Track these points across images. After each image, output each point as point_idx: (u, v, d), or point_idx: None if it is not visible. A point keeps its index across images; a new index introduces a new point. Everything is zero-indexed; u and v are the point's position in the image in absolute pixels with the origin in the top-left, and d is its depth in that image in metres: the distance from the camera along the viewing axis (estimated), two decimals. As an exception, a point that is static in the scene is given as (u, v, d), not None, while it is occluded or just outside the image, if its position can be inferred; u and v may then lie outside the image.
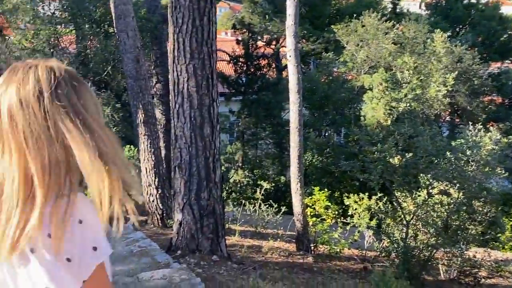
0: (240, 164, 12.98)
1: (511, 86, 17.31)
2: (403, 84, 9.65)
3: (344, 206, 8.42)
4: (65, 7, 11.28)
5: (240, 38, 13.50)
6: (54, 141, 0.93)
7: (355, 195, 6.89)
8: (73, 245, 0.94)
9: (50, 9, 11.54)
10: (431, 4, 25.74)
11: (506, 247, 8.56)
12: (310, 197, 6.91)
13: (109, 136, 0.98)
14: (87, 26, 11.58)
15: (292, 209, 7.18)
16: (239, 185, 12.16)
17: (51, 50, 11.34)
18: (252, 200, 10.72)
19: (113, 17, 6.87)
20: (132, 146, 9.62)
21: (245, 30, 13.54)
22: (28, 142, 0.93)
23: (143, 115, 7.14)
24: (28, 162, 0.93)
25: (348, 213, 6.91)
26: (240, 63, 13.57)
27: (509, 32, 23.30)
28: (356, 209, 6.57)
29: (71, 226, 0.94)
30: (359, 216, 6.48)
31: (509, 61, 22.47)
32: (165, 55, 12.62)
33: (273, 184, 7.18)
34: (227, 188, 12.33)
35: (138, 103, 7.11)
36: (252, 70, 13.46)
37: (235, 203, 10.98)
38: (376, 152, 5.71)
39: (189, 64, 4.63)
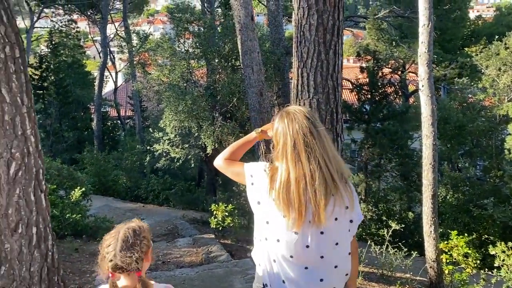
0: (363, 197, 12.31)
1: None
2: None
3: (484, 251, 7.34)
4: (197, 44, 12.16)
5: (364, 66, 13.03)
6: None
7: (502, 243, 5.91)
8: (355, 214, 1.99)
9: (185, 46, 12.54)
10: None
11: None
12: (446, 242, 6.11)
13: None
14: (216, 60, 12.31)
15: (422, 248, 6.46)
16: (362, 220, 11.46)
17: (185, 84, 12.26)
18: (376, 237, 10.01)
19: (240, 53, 7.09)
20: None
21: (369, 57, 13.05)
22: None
23: (264, 147, 7.17)
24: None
25: (491, 263, 5.95)
26: (364, 91, 13.06)
27: None
28: (504, 260, 5.61)
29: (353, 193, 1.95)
30: (508, 270, 5.51)
31: None
32: (287, 86, 12.79)
33: (402, 225, 6.52)
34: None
35: (261, 135, 7.15)
36: (377, 98, 12.83)
37: (357, 239, 10.36)
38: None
39: (312, 99, 4.44)
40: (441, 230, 9.32)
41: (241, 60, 7.20)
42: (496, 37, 13.64)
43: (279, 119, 1.96)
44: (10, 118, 2.77)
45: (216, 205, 7.93)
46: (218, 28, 12.58)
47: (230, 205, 8.05)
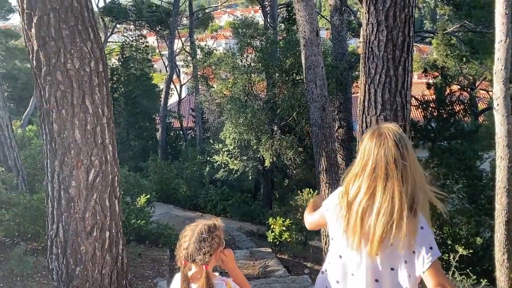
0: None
1: None
2: None
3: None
4: (259, 58, 12.36)
5: (431, 82, 12.55)
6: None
7: None
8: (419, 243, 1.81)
9: (247, 61, 12.80)
10: None
11: None
12: (521, 272, 5.67)
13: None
14: (277, 74, 12.43)
15: (491, 277, 6.05)
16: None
17: (245, 97, 12.48)
18: (441, 262, 9.50)
19: (303, 67, 7.11)
20: (311, 189, 9.72)
21: (437, 73, 12.56)
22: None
23: (325, 162, 7.09)
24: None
25: None
26: (430, 108, 12.56)
27: None
28: None
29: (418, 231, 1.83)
30: None
31: None
32: (348, 101, 12.62)
33: (470, 251, 6.15)
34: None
35: (322, 150, 7.09)
36: (444, 115, 12.27)
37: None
38: None
39: (379, 115, 4.35)
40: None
41: (304, 75, 7.22)
42: None
43: (369, 136, 1.91)
44: (91, 128, 2.96)
45: (274, 219, 7.93)
46: (280, 43, 12.72)
47: (288, 219, 8.01)
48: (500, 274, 5.69)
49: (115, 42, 30.20)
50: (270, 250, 7.72)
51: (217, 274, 2.06)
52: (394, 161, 1.82)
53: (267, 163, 11.70)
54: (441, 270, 1.81)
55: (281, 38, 13.60)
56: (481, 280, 5.93)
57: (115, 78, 21.97)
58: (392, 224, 1.81)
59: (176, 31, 24.68)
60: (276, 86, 12.41)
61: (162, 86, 25.40)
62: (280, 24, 17.88)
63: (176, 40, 24.32)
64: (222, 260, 2.07)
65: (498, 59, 5.29)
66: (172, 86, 24.67)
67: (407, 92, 4.33)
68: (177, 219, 11.11)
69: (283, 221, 7.83)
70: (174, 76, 27.67)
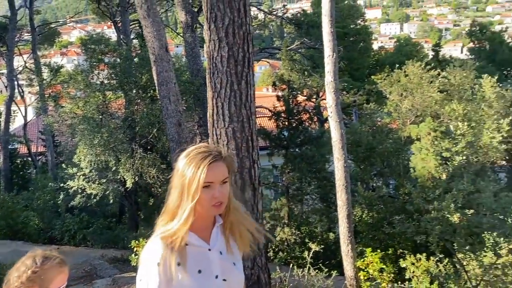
0: (286, 221, 12.58)
1: None
2: (458, 137, 9.14)
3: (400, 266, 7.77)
4: (113, 75, 11.89)
5: (280, 94, 13.59)
6: None
7: (412, 255, 6.35)
8: None
9: (99, 78, 12.19)
10: (473, 48, 25.21)
11: None
12: (362, 259, 6.43)
13: None
14: (134, 91, 12.10)
15: (342, 267, 6.71)
16: (286, 243, 11.71)
17: (100, 116, 11.84)
18: (300, 260, 10.22)
19: (156, 84, 7.06)
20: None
21: (284, 86, 13.65)
22: None
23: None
24: None
25: (405, 276, 6.35)
26: (281, 118, 13.57)
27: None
28: (414, 271, 6.02)
29: None
30: (418, 280, 5.92)
31: None
32: (207, 116, 12.91)
33: (322, 246, 6.75)
34: (273, 248, 11.87)
35: (181, 166, 7.10)
36: (294, 124, 13.38)
37: (282, 263, 10.49)
38: (433, 211, 5.26)
39: (228, 128, 4.56)
40: (360, 248, 9.78)
41: (157, 91, 7.17)
42: (397, 65, 14.99)
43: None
44: None
45: (137, 241, 7.62)
46: (135, 59, 12.43)
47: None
48: (347, 264, 6.37)
49: None
50: (134, 274, 7.39)
51: None
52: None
53: (129, 184, 11.24)
54: None
55: (135, 54, 13.30)
56: (332, 272, 6.56)
57: None
58: None
59: (16, 47, 22.31)
60: (133, 103, 12.05)
61: (1, 108, 22.61)
62: (134, 40, 17.49)
63: (17, 57, 21.95)
64: None
65: (328, 72, 5.98)
66: (15, 108, 22.15)
67: (251, 105, 4.61)
68: (28, 256, 9.91)
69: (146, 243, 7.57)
70: (18, 97, 24.91)
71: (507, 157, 14.76)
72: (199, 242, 1.84)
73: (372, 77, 17.14)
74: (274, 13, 15.68)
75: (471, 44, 25.90)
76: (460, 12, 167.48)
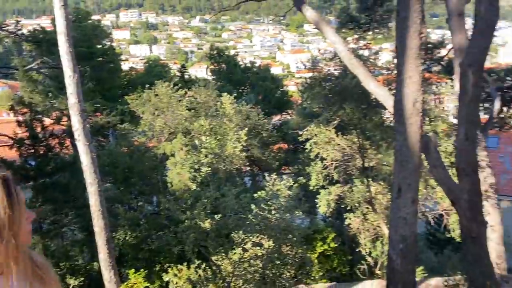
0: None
1: (292, 134, 19.94)
2: (202, 149, 10.04)
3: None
4: None
5: (21, 119, 12.05)
6: None
7: (175, 267, 6.59)
8: None
9: None
10: (215, 70, 28.29)
11: (317, 279, 9.38)
12: (126, 283, 6.30)
13: None
14: None
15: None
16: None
17: None
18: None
19: None
20: None
21: (26, 110, 12.20)
22: None
23: None
24: None
25: (171, 288, 6.53)
26: (25, 146, 12.05)
27: (281, 89, 27.39)
28: (177, 283, 6.26)
29: None
30: (182, 289, 6.18)
31: (286, 113, 26.15)
32: None
33: (82, 279, 6.30)
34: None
35: None
36: (42, 151, 12.08)
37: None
38: (186, 220, 5.61)
39: None
40: (126, 271, 9.54)
41: None
42: (147, 86, 15.41)
43: None
44: None
45: None
46: None
47: None
48: (111, 290, 6.11)
49: None
50: None
51: None
52: None
53: None
54: None
55: None
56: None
57: None
58: None
59: None
60: None
61: None
62: None
63: None
64: None
65: (71, 93, 5.66)
66: None
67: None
68: None
69: None
70: None
71: (248, 163, 17.09)
72: None
73: (125, 97, 17.11)
74: (5, 28, 13.78)
75: (212, 66, 28.98)
76: (202, 37, 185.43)
